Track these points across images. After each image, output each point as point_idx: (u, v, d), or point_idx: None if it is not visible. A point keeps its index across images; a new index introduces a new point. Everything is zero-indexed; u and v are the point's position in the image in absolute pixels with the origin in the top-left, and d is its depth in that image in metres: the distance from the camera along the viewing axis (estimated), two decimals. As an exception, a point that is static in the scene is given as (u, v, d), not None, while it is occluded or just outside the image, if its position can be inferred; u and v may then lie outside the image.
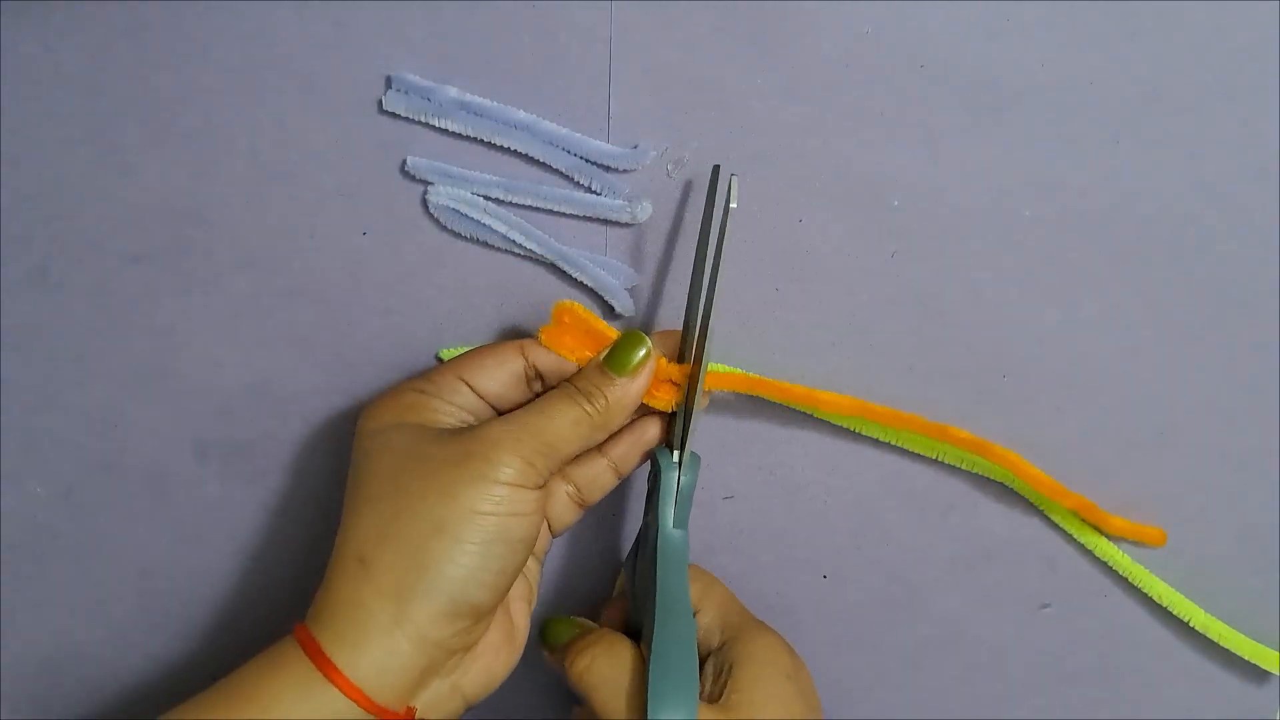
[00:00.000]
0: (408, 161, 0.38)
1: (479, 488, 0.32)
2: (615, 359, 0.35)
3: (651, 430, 0.37)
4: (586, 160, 0.38)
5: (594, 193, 0.38)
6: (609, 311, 0.39)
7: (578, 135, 0.37)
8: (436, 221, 0.39)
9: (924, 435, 0.39)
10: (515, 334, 0.40)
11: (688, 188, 0.38)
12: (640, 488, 0.42)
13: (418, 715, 0.33)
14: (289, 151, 0.38)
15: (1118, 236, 0.38)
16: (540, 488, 0.34)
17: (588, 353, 0.36)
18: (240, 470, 0.42)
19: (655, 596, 0.35)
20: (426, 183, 0.38)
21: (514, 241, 0.38)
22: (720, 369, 0.39)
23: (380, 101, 0.37)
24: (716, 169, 0.35)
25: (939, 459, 0.40)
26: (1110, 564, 0.41)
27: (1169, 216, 0.38)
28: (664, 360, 0.36)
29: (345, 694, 0.31)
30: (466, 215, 0.38)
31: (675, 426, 0.37)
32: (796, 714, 0.35)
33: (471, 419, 0.35)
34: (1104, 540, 0.41)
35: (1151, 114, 0.37)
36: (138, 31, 0.37)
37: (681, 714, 0.32)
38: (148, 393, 0.41)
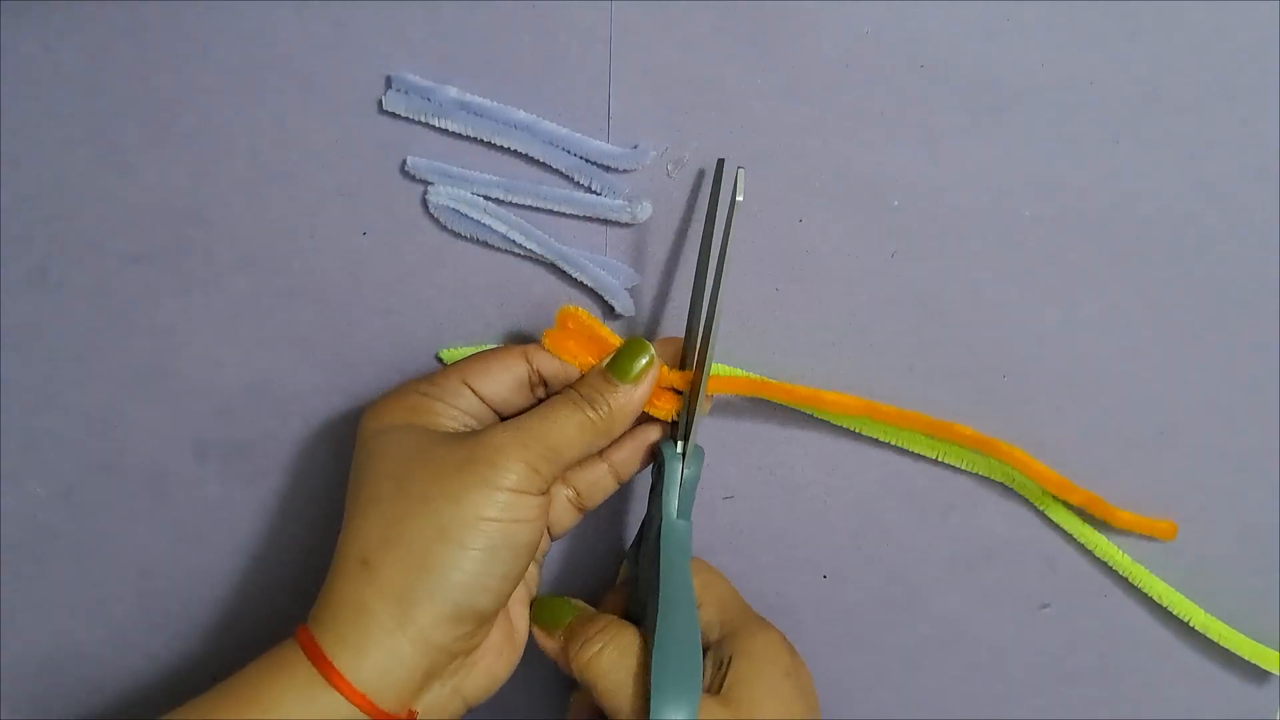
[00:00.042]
0: (408, 161, 0.38)
1: (484, 493, 0.32)
2: (618, 365, 0.35)
3: (653, 436, 0.38)
4: (586, 160, 0.38)
5: (594, 193, 0.38)
6: (609, 312, 0.39)
7: (578, 135, 0.37)
8: (436, 221, 0.39)
9: (929, 434, 0.39)
10: (515, 334, 0.40)
11: (688, 188, 0.38)
12: (642, 483, 0.42)
13: (419, 718, 0.33)
14: (289, 151, 0.38)
15: (1118, 236, 0.38)
16: (544, 493, 0.34)
17: (590, 358, 0.36)
18: (240, 470, 0.42)
19: (658, 586, 0.35)
20: (426, 183, 0.38)
21: (514, 241, 0.38)
22: (722, 370, 0.39)
23: (380, 101, 0.37)
24: (721, 163, 0.35)
25: (939, 459, 0.40)
26: (1110, 564, 0.41)
27: (1169, 216, 0.38)
28: (665, 368, 0.36)
29: (347, 698, 0.31)
30: (466, 215, 0.38)
31: (679, 419, 0.37)
32: (795, 711, 0.35)
33: (474, 423, 0.35)
34: (1104, 540, 0.41)
35: (1151, 114, 0.37)
36: (138, 31, 0.37)
37: (684, 705, 0.32)
38: (148, 393, 0.41)
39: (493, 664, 0.35)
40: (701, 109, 0.37)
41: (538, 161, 0.38)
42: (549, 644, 0.36)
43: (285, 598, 0.43)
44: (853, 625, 0.43)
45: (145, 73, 0.37)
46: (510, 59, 0.37)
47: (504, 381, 0.36)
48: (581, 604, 0.38)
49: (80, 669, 0.44)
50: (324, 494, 0.42)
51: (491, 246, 0.39)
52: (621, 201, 0.38)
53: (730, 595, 0.39)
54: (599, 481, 0.38)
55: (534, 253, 0.38)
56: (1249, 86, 0.36)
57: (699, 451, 0.37)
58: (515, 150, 0.38)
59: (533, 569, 0.38)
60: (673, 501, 0.36)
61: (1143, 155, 0.37)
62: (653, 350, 0.35)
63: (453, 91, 0.37)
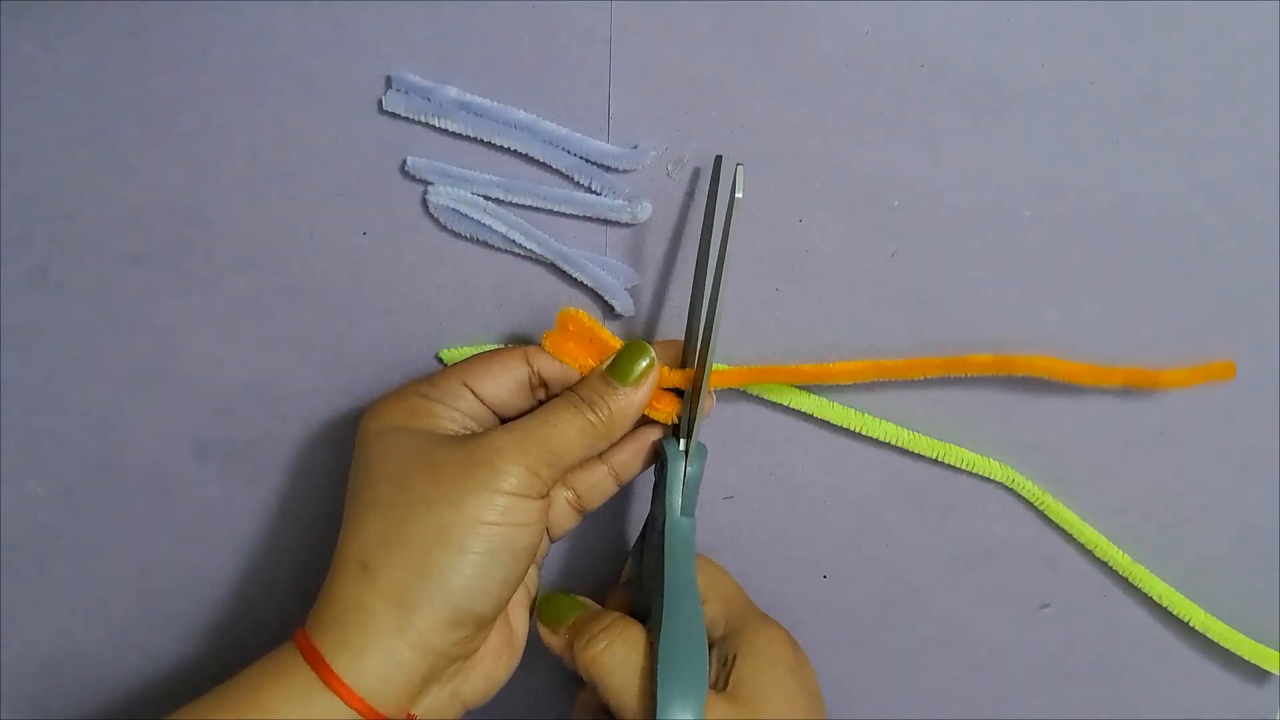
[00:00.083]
0: (408, 161, 0.38)
1: (484, 497, 0.32)
2: (618, 368, 0.35)
3: (653, 438, 0.38)
4: (586, 160, 0.38)
5: (594, 193, 0.38)
6: (609, 311, 0.39)
7: (578, 135, 0.37)
8: (436, 221, 0.39)
9: (943, 373, 0.38)
10: (515, 335, 0.40)
11: (688, 188, 0.38)
12: (642, 484, 0.42)
13: (417, 721, 0.33)
14: (289, 151, 0.38)
15: (1118, 236, 0.38)
16: (544, 497, 0.34)
17: (591, 360, 0.36)
18: (240, 470, 0.42)
19: (663, 584, 0.35)
20: (426, 183, 0.38)
21: (514, 241, 0.38)
22: (723, 369, 0.39)
23: (380, 101, 0.37)
24: (719, 160, 0.35)
25: (939, 459, 0.40)
26: (1110, 564, 0.41)
27: (1169, 216, 0.38)
28: (666, 369, 0.36)
29: (345, 701, 0.31)
30: (466, 215, 0.38)
31: (681, 417, 0.37)
32: (799, 708, 0.34)
33: (474, 425, 0.35)
34: (1104, 540, 0.41)
35: (1151, 114, 0.37)
36: (138, 31, 0.37)
37: (691, 703, 0.32)
38: (148, 393, 0.41)
39: (491, 667, 0.35)
40: (701, 109, 0.37)
41: (538, 161, 0.38)
42: (554, 641, 0.36)
43: (285, 598, 0.43)
44: (853, 625, 0.43)
45: (145, 73, 0.37)
46: (510, 59, 0.37)
47: (504, 383, 0.36)
48: (587, 601, 0.38)
49: (80, 669, 0.44)
50: (324, 494, 0.42)
51: (491, 246, 0.39)
52: (621, 201, 0.38)
53: (734, 592, 0.39)
54: (599, 484, 0.38)
55: (534, 253, 0.38)
56: (1249, 86, 0.36)
57: (702, 449, 0.37)
58: (515, 150, 0.38)
59: (532, 572, 0.38)
60: (676, 499, 0.36)
61: (1143, 155, 0.37)
62: (653, 353, 0.35)
63: (453, 91, 0.37)
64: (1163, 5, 0.36)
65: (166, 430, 0.41)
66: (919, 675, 0.44)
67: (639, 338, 0.38)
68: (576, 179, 0.38)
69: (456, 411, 0.35)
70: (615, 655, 0.34)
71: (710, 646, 0.36)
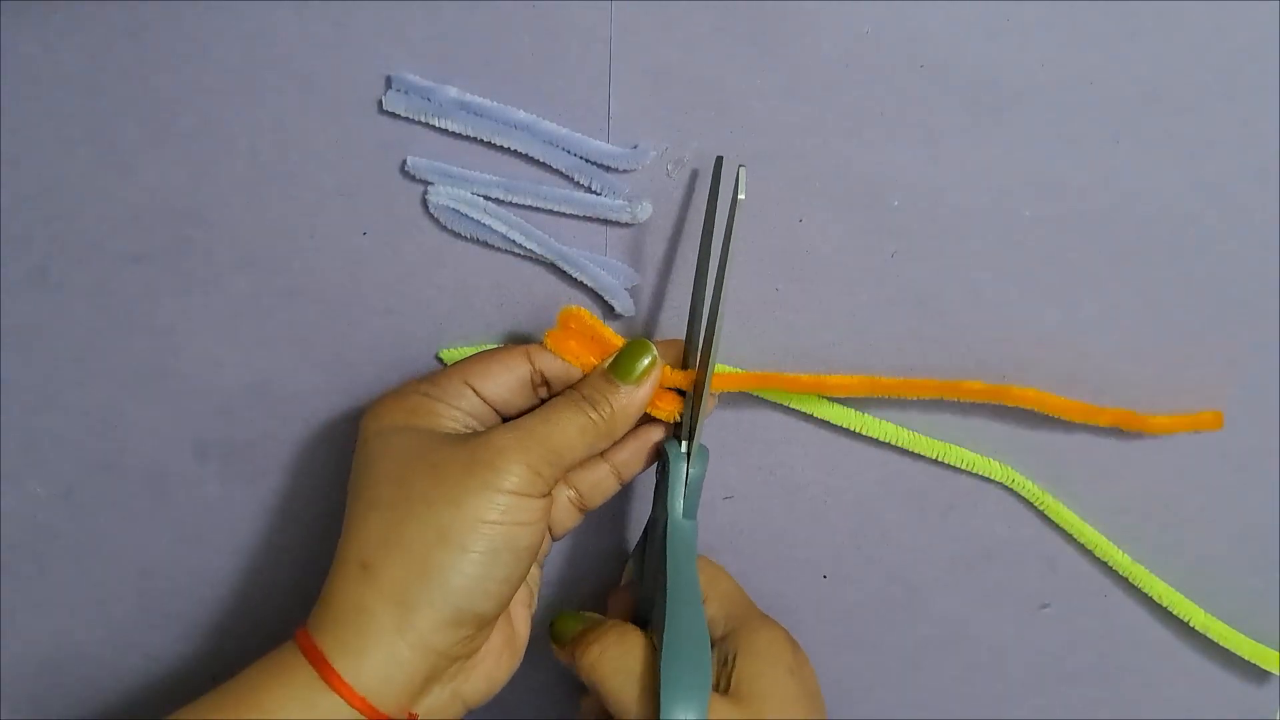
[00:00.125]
0: (408, 161, 0.38)
1: (485, 496, 0.32)
2: (620, 366, 0.35)
3: (654, 437, 0.38)
4: (586, 160, 0.38)
5: (594, 193, 0.38)
6: (609, 312, 0.39)
7: (578, 135, 0.37)
8: (436, 221, 0.39)
9: (938, 395, 0.38)
10: (515, 334, 0.40)
11: (688, 188, 0.38)
12: (643, 484, 0.42)
13: (418, 721, 0.33)
14: (289, 151, 0.38)
15: (1118, 236, 0.38)
16: (545, 496, 0.34)
17: (592, 359, 0.36)
18: (240, 470, 0.42)
19: (665, 586, 0.35)
20: (426, 183, 0.38)
21: (514, 241, 0.38)
22: (723, 370, 0.39)
23: (380, 101, 0.37)
24: (720, 161, 0.35)
25: (939, 459, 0.40)
26: (1110, 564, 0.41)
27: (1169, 216, 0.38)
28: (668, 368, 0.36)
29: (347, 701, 0.31)
30: (466, 215, 0.38)
31: (683, 418, 0.37)
32: (800, 708, 0.35)
33: (476, 424, 0.35)
34: (1104, 540, 0.41)
35: (1151, 114, 0.37)
36: (138, 31, 0.37)
37: (694, 704, 0.32)
38: (148, 393, 0.41)
39: (493, 667, 0.35)
40: (701, 109, 0.37)
41: (538, 161, 0.38)
42: (562, 655, 0.36)
43: (285, 598, 0.43)
44: (853, 625, 0.43)
45: (145, 73, 0.37)
46: (510, 59, 0.37)
47: (506, 382, 0.36)
48: (595, 616, 0.38)
49: (80, 669, 0.44)
50: (324, 494, 0.42)
51: (491, 246, 0.39)
52: (621, 201, 0.38)
53: (734, 592, 0.39)
54: (601, 482, 0.38)
55: (534, 253, 0.38)
56: (1249, 86, 0.36)
57: (704, 451, 0.37)
58: (515, 150, 0.38)
59: (534, 571, 0.38)
60: (678, 501, 0.36)
61: (1143, 155, 0.37)
62: (655, 351, 0.35)
63: (453, 91, 0.37)
64: (1163, 5, 0.36)
65: (166, 430, 0.41)
66: (919, 675, 0.44)
67: (640, 337, 0.38)
68: (576, 179, 0.38)
69: (458, 410, 0.35)
70: (613, 659, 0.34)
71: (710, 647, 0.36)
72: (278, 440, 0.41)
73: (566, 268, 0.39)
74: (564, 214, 0.38)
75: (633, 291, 0.39)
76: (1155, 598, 0.41)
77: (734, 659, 0.35)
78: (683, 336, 0.38)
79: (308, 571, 0.43)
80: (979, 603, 0.43)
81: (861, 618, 0.43)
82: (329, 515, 0.42)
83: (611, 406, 0.34)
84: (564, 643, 0.37)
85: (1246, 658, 0.41)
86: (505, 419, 0.36)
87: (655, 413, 0.36)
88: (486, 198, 0.38)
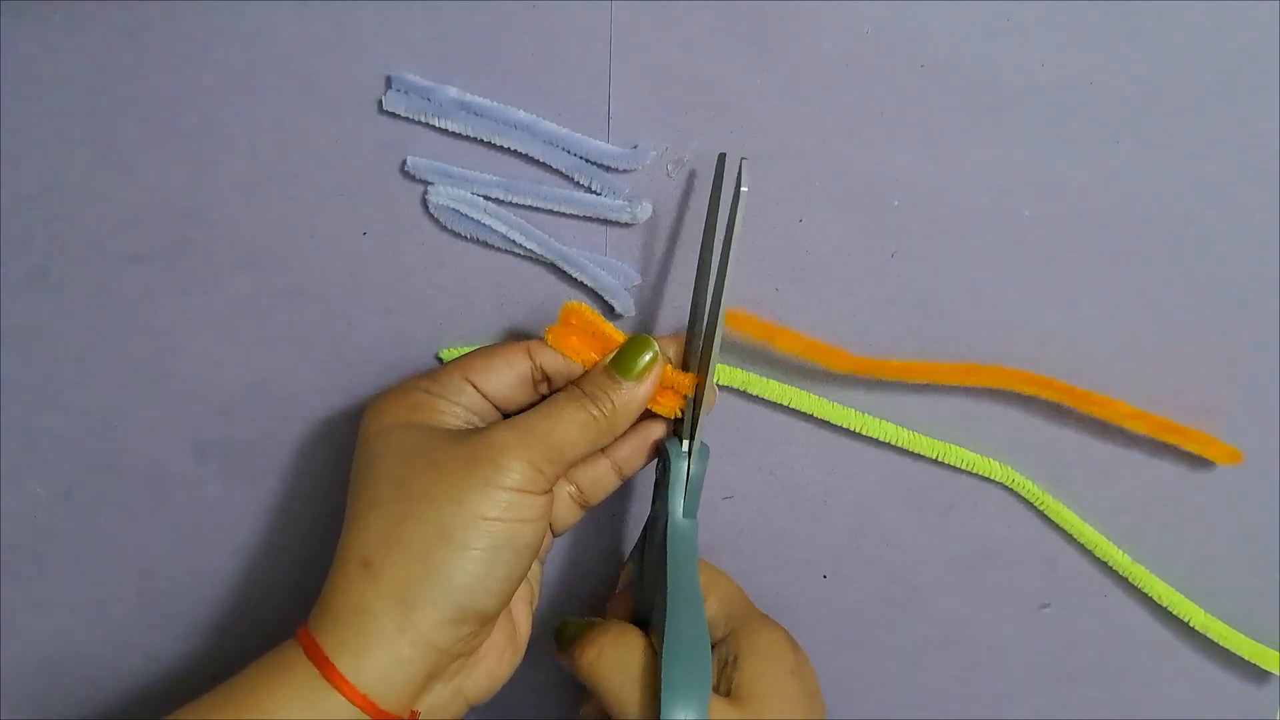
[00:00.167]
0: (408, 161, 0.38)
1: (486, 493, 0.32)
2: (622, 362, 0.35)
3: (656, 433, 0.37)
4: (586, 160, 0.38)
5: (594, 193, 0.38)
6: (609, 311, 0.39)
7: (578, 135, 0.37)
8: (436, 221, 0.39)
9: (943, 380, 0.38)
10: (515, 335, 0.40)
11: (688, 188, 0.38)
12: (643, 482, 0.42)
13: (421, 719, 0.33)
14: (289, 151, 0.38)
15: (1118, 236, 0.38)
16: (547, 492, 0.34)
17: (593, 355, 0.36)
18: (240, 470, 0.42)
19: (665, 586, 0.34)
20: (426, 183, 0.38)
21: (514, 241, 0.38)
22: (723, 370, 0.39)
23: (380, 101, 0.37)
24: (722, 157, 0.35)
25: (939, 459, 0.40)
26: (1110, 564, 0.41)
27: (1169, 216, 0.38)
28: (669, 367, 0.36)
29: (349, 699, 0.31)
30: (466, 215, 0.38)
31: (684, 417, 0.37)
32: (800, 709, 0.35)
33: (477, 420, 0.35)
34: (1104, 540, 0.41)
35: (1151, 114, 0.37)
36: (138, 31, 0.37)
37: (694, 705, 0.32)
38: (148, 393, 0.41)
39: (494, 664, 0.35)
40: (701, 109, 0.37)
41: (538, 161, 0.38)
42: (563, 658, 0.36)
43: (285, 598, 0.43)
44: (853, 625, 0.43)
45: (145, 73, 0.37)
46: (510, 59, 0.37)
47: (506, 378, 0.36)
48: (595, 619, 0.38)
49: (80, 669, 0.44)
50: (324, 494, 0.42)
51: (491, 246, 0.39)
52: (621, 201, 0.38)
53: (734, 592, 0.39)
54: (602, 478, 0.37)
55: (534, 253, 0.38)
56: (1249, 86, 0.36)
57: (704, 450, 0.37)
58: (515, 150, 0.38)
59: (535, 567, 0.38)
60: (679, 501, 0.36)
61: (1143, 155, 0.37)
62: (656, 347, 0.35)
63: (453, 91, 0.37)
64: (1163, 5, 0.36)
65: (166, 430, 0.41)
66: (919, 675, 0.44)
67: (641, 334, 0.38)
68: (576, 179, 0.38)
69: (459, 407, 0.35)
70: (612, 660, 0.34)
71: (711, 648, 0.36)
72: (278, 440, 0.41)
73: (566, 268, 0.39)
74: (564, 214, 0.38)
75: (633, 291, 0.39)
76: (1155, 598, 0.41)
77: (734, 660, 0.35)
78: (683, 334, 0.38)
79: (308, 571, 0.43)
80: (979, 603, 0.43)
81: (861, 618, 0.43)
82: (329, 515, 0.42)
83: (613, 403, 0.34)
84: (565, 647, 0.37)
85: (1246, 658, 0.41)
86: (506, 415, 0.36)
87: (656, 408, 0.36)
88: (486, 198, 0.38)
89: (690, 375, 0.36)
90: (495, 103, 0.37)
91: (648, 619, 0.37)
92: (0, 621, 0.43)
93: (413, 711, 0.33)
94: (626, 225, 0.39)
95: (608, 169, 0.38)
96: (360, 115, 0.37)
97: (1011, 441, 0.41)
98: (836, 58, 0.36)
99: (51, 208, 0.39)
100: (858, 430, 0.40)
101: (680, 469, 0.36)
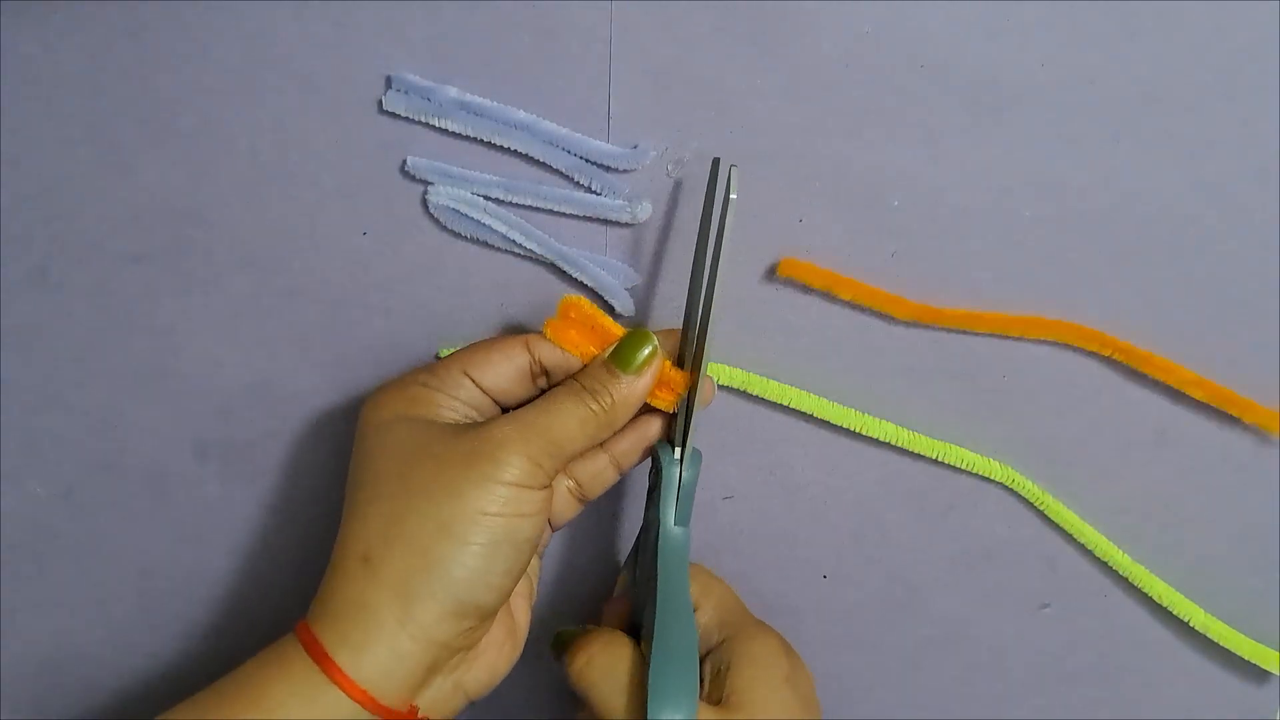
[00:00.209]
0: (408, 161, 0.38)
1: (485, 488, 0.32)
2: (621, 356, 0.35)
3: (654, 427, 0.37)
4: (586, 160, 0.38)
5: (594, 193, 0.38)
6: (609, 311, 0.39)
7: (578, 135, 0.37)
8: (436, 221, 0.39)
9: (1009, 332, 0.39)
10: (514, 332, 0.40)
11: (688, 188, 0.38)
12: (638, 487, 0.42)
13: (420, 714, 0.33)
14: (289, 151, 0.38)
15: (1118, 236, 0.38)
16: (546, 488, 0.34)
17: (592, 349, 0.36)
18: (240, 470, 0.42)
19: (656, 594, 0.34)
20: (426, 183, 0.38)
21: (514, 241, 0.38)
22: (721, 370, 0.39)
23: (380, 101, 0.37)
24: (716, 162, 0.35)
25: (939, 459, 0.40)
26: (1110, 564, 0.41)
27: (1169, 216, 0.38)
28: (667, 363, 0.36)
29: (349, 695, 0.31)
30: (466, 215, 0.38)
31: (676, 423, 0.37)
32: (795, 717, 0.34)
33: (475, 414, 0.35)
34: (1104, 540, 0.41)
35: (1151, 114, 0.37)
36: (138, 31, 0.37)
37: (681, 713, 0.32)
38: (148, 393, 0.41)
39: (494, 658, 0.35)
40: (701, 109, 0.37)
41: (538, 161, 0.38)
42: (561, 669, 0.36)
43: (285, 597, 0.43)
44: (853, 625, 0.43)
45: (145, 73, 0.37)
46: (510, 59, 0.37)
47: (505, 371, 0.35)
48: (589, 627, 0.38)
49: (80, 669, 0.44)
50: (324, 494, 0.42)
51: (491, 246, 0.39)
52: (621, 201, 0.38)
53: (730, 599, 0.39)
54: (600, 473, 0.37)
55: (534, 253, 0.38)
56: (1249, 86, 0.36)
57: (697, 455, 0.37)
58: (515, 150, 0.38)
59: (534, 562, 0.38)
60: (670, 509, 0.36)
61: (1143, 155, 0.37)
62: (655, 341, 0.35)
63: (453, 91, 0.37)
64: (1163, 5, 0.36)
65: (166, 430, 0.41)
66: (919, 675, 0.44)
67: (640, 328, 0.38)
68: (576, 179, 0.38)
69: (457, 401, 0.35)
70: (600, 667, 0.34)
71: (705, 655, 0.36)
72: (278, 440, 0.41)
73: (566, 268, 0.39)
74: (564, 214, 0.38)
75: (632, 291, 0.39)
76: (1155, 598, 0.41)
77: (728, 668, 0.35)
78: (679, 329, 0.37)
79: (308, 571, 0.43)
80: (979, 603, 0.43)
81: (861, 618, 0.43)
82: (329, 515, 0.42)
83: (612, 397, 0.34)
84: (561, 653, 0.37)
85: (1246, 658, 0.41)
86: (504, 409, 0.36)
87: (655, 402, 0.36)
88: (486, 198, 0.38)
89: (685, 374, 0.36)
90: (495, 103, 0.37)
91: (641, 625, 0.37)
92: (0, 621, 0.43)
93: (412, 706, 0.33)
94: (626, 225, 0.39)
95: (608, 169, 0.38)
96: (360, 115, 0.37)
97: (1011, 441, 0.41)
98: (836, 58, 0.36)
99: (51, 208, 0.39)
100: (858, 430, 0.40)
101: (672, 475, 0.36)
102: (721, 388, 0.40)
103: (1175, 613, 0.41)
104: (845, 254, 0.39)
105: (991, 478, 0.41)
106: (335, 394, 0.41)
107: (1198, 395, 0.39)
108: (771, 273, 0.39)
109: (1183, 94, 0.37)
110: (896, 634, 0.43)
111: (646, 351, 0.35)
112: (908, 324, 0.39)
